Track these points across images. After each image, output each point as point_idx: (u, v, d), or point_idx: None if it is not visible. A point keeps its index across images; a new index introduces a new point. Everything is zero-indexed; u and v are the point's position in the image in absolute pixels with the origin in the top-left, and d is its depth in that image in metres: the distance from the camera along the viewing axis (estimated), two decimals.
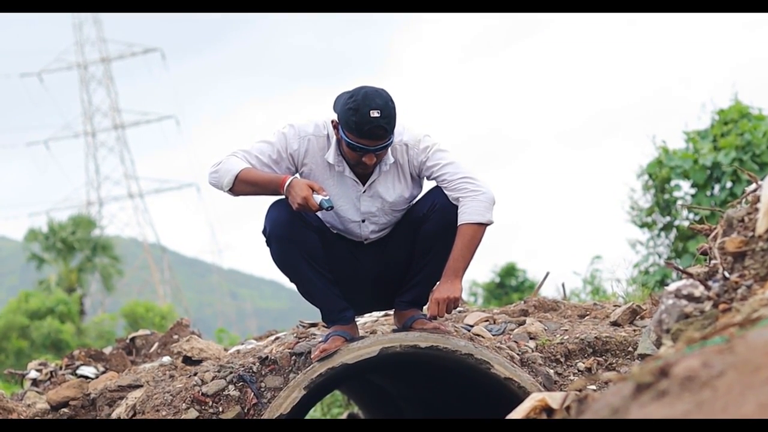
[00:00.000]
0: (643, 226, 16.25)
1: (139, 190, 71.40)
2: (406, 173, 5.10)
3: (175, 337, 7.17)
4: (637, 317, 6.01)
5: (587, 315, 6.38)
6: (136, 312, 32.91)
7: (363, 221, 5.17)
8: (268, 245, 5.08)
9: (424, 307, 5.27)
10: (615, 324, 5.93)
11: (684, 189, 15.94)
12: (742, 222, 3.45)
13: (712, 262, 3.50)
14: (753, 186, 3.95)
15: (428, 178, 5.13)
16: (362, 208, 5.12)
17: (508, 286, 21.53)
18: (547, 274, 8.04)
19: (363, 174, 5.05)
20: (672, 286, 3.41)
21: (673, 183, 15.78)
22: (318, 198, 4.71)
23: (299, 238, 4.99)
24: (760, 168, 14.50)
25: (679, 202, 15.75)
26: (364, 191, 5.08)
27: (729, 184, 14.99)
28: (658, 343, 3.35)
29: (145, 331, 7.78)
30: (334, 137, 4.99)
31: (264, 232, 5.05)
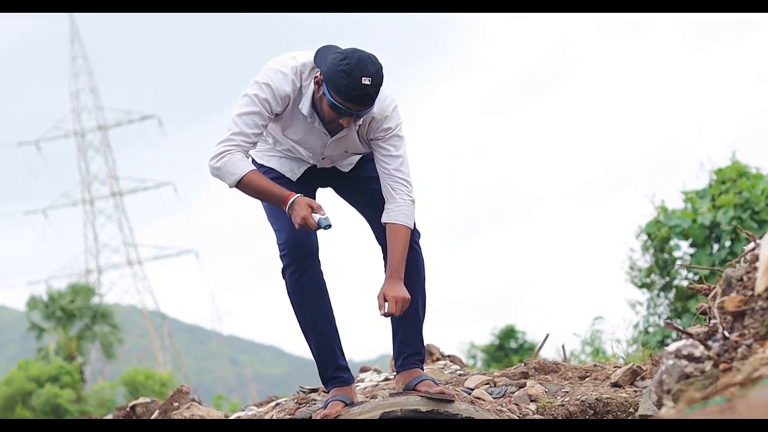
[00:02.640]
0: (642, 286, 16.23)
1: (138, 257, 71.23)
2: (363, 135, 5.14)
3: (176, 404, 7.13)
4: (638, 378, 5.99)
5: (588, 376, 6.35)
6: (136, 380, 32.82)
7: (323, 158, 5.23)
8: (283, 277, 5.17)
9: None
10: (616, 385, 5.91)
11: (683, 248, 15.95)
12: (741, 281, 3.46)
13: (712, 321, 3.51)
14: (751, 245, 3.96)
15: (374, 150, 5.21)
16: (325, 153, 5.19)
17: (507, 348, 21.45)
18: (547, 335, 8.00)
19: (332, 130, 5.09)
20: (672, 347, 3.40)
21: (672, 242, 15.80)
22: (316, 217, 4.82)
23: (313, 274, 5.11)
24: (759, 226, 14.52)
25: (679, 262, 15.75)
26: (331, 142, 5.13)
27: (728, 243, 15.00)
28: (659, 404, 3.34)
29: (146, 398, 7.74)
30: (310, 90, 4.98)
31: (282, 258, 5.14)
